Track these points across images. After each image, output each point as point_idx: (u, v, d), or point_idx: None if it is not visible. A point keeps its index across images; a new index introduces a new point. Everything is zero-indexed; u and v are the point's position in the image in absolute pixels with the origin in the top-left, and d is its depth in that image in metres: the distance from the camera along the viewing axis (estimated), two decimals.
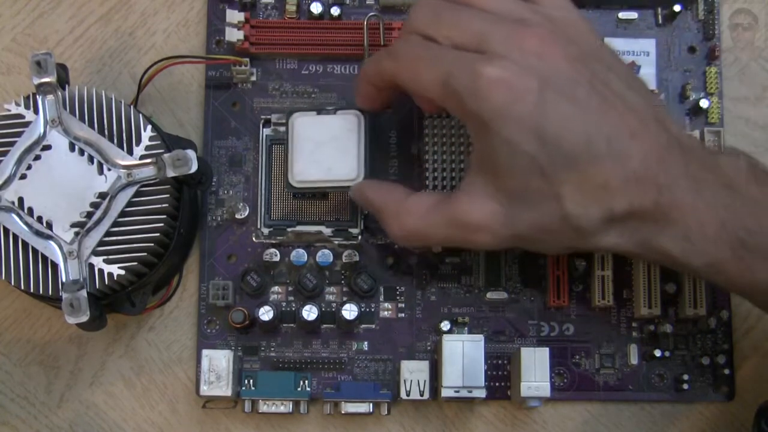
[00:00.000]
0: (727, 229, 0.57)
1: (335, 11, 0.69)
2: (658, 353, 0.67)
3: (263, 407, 0.65)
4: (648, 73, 0.70)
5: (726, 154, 0.61)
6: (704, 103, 0.69)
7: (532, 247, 0.62)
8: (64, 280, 0.61)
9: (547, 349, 0.64)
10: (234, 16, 0.68)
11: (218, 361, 0.65)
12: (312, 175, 0.66)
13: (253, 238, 0.68)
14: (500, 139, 0.56)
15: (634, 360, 0.68)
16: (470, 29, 0.58)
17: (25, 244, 0.61)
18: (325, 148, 0.66)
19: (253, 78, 0.70)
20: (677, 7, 0.70)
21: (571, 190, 0.56)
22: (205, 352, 0.65)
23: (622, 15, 0.71)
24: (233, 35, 0.68)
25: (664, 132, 0.58)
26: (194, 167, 0.62)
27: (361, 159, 0.66)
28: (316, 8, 0.69)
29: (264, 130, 0.69)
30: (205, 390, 0.65)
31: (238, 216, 0.68)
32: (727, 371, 0.67)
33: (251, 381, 0.66)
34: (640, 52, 0.70)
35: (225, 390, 0.65)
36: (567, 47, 0.57)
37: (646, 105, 0.58)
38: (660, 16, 0.71)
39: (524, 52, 0.56)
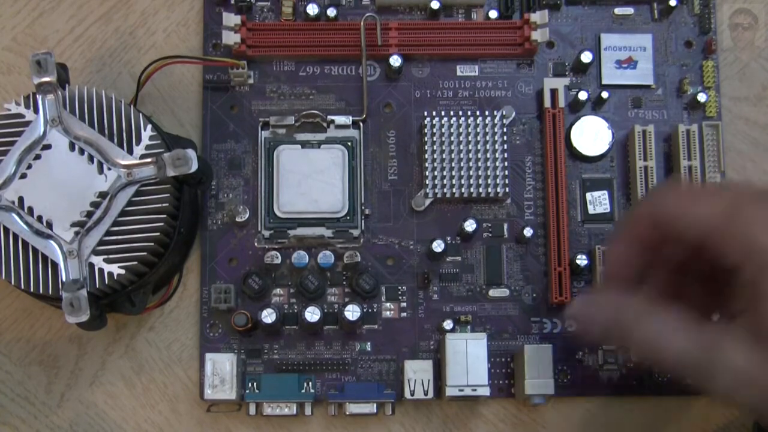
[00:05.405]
0: None
1: (331, 12, 0.70)
2: None
3: (267, 410, 0.65)
4: (645, 68, 0.70)
5: None
6: (702, 97, 0.69)
7: None
8: (64, 279, 0.61)
9: (551, 346, 0.64)
10: (230, 19, 0.68)
11: (222, 365, 0.65)
12: (298, 206, 0.68)
13: (255, 243, 0.68)
14: None
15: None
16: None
17: (25, 244, 0.61)
18: (311, 181, 0.68)
19: (251, 81, 0.70)
20: (673, 2, 0.70)
21: None
22: (208, 356, 0.65)
23: (618, 11, 0.71)
24: (230, 38, 0.68)
25: None
26: (194, 166, 0.62)
27: (346, 192, 0.67)
28: (312, 10, 0.69)
29: (263, 132, 0.69)
30: (209, 394, 0.64)
31: (238, 219, 0.68)
32: None
33: (255, 384, 0.66)
34: (637, 47, 0.70)
35: (229, 393, 0.64)
36: None
37: None
38: (656, 11, 0.71)
39: None
